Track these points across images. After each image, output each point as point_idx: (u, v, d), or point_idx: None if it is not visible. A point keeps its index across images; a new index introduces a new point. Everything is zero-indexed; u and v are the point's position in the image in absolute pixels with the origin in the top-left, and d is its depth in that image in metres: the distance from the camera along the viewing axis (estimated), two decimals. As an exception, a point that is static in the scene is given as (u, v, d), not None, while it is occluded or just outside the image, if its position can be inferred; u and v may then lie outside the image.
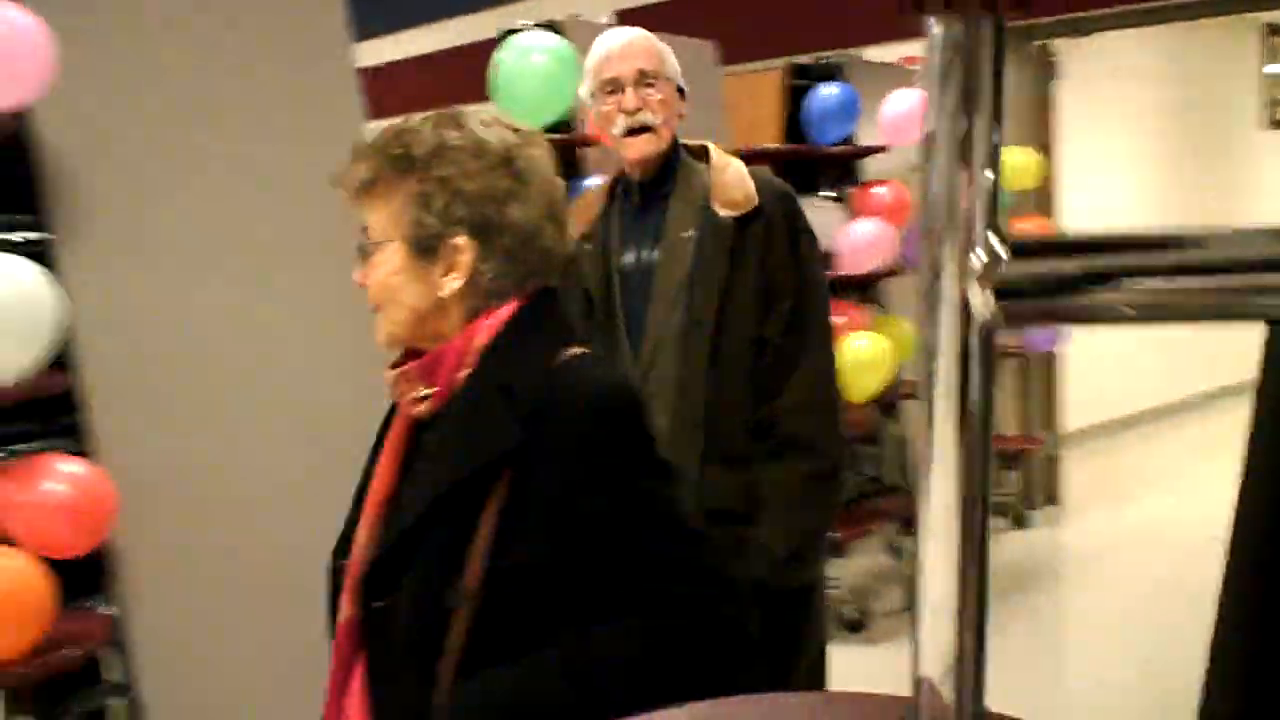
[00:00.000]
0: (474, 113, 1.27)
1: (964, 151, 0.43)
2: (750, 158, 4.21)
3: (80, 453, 2.38)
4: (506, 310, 1.23)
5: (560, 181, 1.31)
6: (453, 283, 1.21)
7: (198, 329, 2.59)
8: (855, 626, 4.07)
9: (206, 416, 2.58)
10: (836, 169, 4.66)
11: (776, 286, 2.03)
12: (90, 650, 2.47)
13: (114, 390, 2.44)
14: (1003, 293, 0.43)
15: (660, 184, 2.08)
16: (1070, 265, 0.43)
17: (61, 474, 2.26)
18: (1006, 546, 4.96)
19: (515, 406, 1.19)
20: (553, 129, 3.26)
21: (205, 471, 2.56)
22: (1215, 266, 0.42)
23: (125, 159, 2.48)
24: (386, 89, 7.64)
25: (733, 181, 2.06)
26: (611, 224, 2.11)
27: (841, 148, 4.43)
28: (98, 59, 2.42)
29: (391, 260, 1.23)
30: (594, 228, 2.12)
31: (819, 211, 4.27)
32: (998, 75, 0.42)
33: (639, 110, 2.02)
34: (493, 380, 1.21)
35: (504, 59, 3.03)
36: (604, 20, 5.83)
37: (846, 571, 4.18)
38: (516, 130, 1.27)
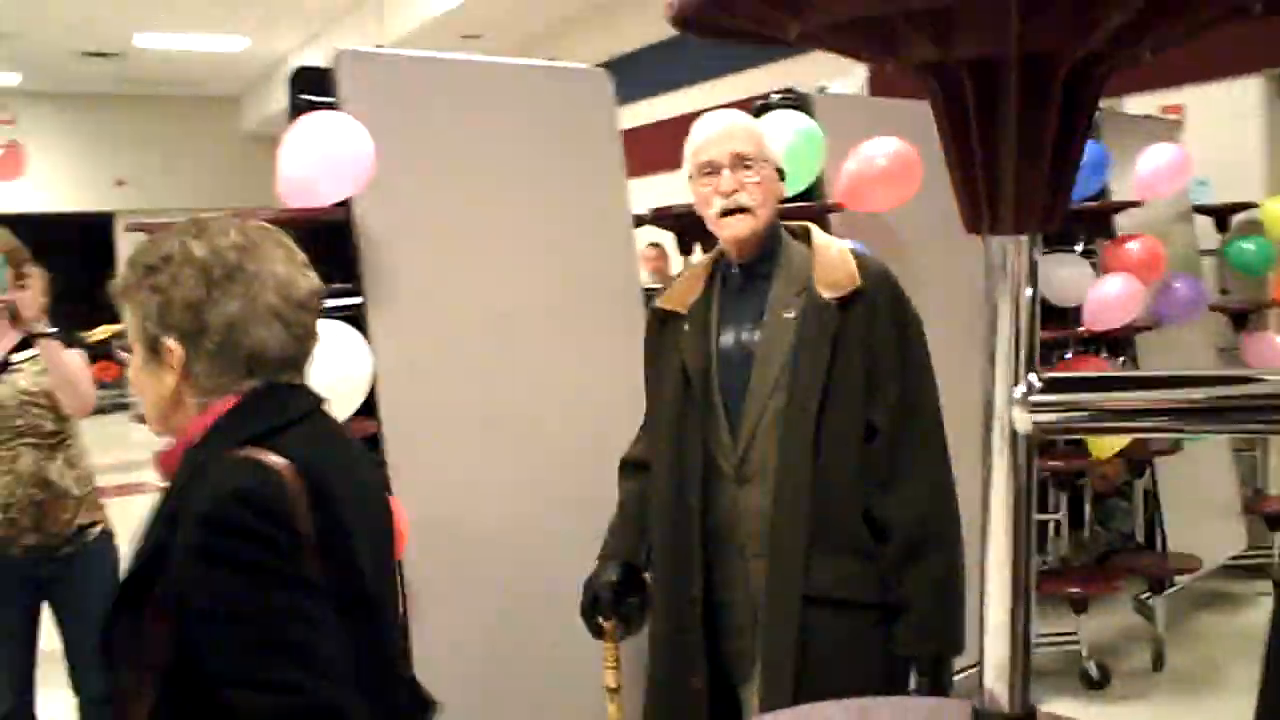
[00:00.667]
0: (218, 219, 1.37)
1: (1014, 321, 0.63)
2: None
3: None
4: (221, 406, 1.31)
5: (295, 281, 1.34)
6: (170, 381, 1.32)
7: (480, 381, 2.93)
8: (1096, 684, 4.02)
9: (485, 456, 2.92)
10: (1089, 223, 4.64)
11: (881, 370, 2.00)
12: None
13: (409, 433, 2.81)
14: (1037, 413, 0.62)
15: (760, 264, 2.08)
16: (1084, 397, 0.62)
17: None
18: (1264, 608, 4.74)
19: (166, 506, 1.27)
20: (800, 197, 3.48)
21: (482, 503, 2.87)
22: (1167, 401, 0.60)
23: (424, 236, 2.86)
24: (643, 149, 8.07)
25: (835, 262, 2.05)
26: (712, 303, 2.12)
27: (1093, 203, 4.42)
28: (405, 155, 2.82)
29: (136, 359, 1.36)
30: (694, 307, 2.12)
31: (1066, 266, 4.29)
32: (1033, 272, 0.62)
33: (735, 192, 2.02)
34: (178, 478, 1.30)
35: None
36: (855, 91, 6.00)
37: (1088, 628, 4.13)
38: (247, 235, 1.34)
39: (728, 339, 2.08)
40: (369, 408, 2.68)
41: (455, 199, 2.93)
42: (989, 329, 0.64)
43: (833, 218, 3.62)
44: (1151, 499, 4.64)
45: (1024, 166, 0.58)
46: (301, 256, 1.39)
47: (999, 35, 0.54)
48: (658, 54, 9.13)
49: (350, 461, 1.42)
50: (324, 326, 2.47)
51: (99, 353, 13.13)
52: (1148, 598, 4.32)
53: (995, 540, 0.64)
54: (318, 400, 1.42)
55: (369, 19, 10.66)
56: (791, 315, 2.02)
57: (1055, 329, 4.37)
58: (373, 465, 1.52)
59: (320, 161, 2.47)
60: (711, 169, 2.05)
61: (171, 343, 1.31)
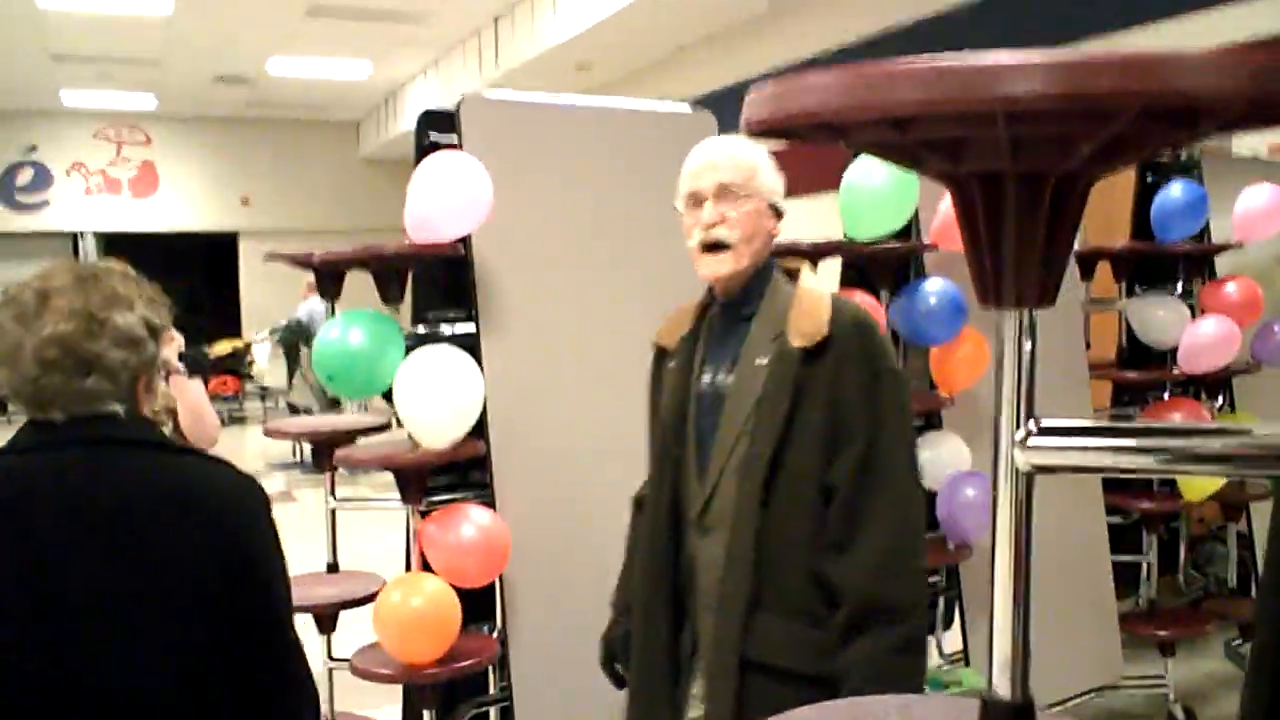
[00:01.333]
0: (55, 266, 1.52)
1: (1016, 376, 0.77)
2: (1095, 255, 4.39)
3: (489, 502, 2.89)
4: None
5: (41, 331, 1.44)
6: None
7: (583, 405, 3.11)
8: (1184, 729, 4.02)
9: (585, 476, 3.09)
10: (1187, 265, 4.65)
11: (846, 427, 1.87)
12: (481, 666, 2.90)
13: (514, 454, 3.00)
14: (1033, 453, 0.77)
15: (744, 304, 1.98)
16: (1072, 441, 0.76)
17: (473, 520, 2.73)
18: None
19: None
20: (895, 237, 3.59)
21: (582, 520, 3.03)
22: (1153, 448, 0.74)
23: (535, 269, 3.07)
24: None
25: (810, 309, 1.92)
26: (698, 342, 2.04)
27: (1190, 244, 4.44)
28: (519, 193, 3.02)
29: None
30: (681, 344, 2.05)
31: (1162, 309, 4.32)
32: (1031, 336, 0.76)
33: (714, 225, 1.92)
34: None
35: (851, 179, 3.41)
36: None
37: (1177, 672, 4.13)
38: (42, 280, 1.49)
39: (706, 380, 2.01)
40: (478, 429, 2.88)
41: (564, 234, 3.13)
42: (996, 383, 0.78)
43: (927, 257, 3.73)
44: (1246, 543, 4.61)
45: (1021, 256, 0.73)
46: (80, 304, 1.47)
47: (997, 158, 0.69)
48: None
49: (73, 494, 1.46)
50: (441, 352, 2.69)
51: (221, 367, 13.62)
52: (1239, 644, 4.29)
53: (1000, 557, 0.78)
54: (50, 431, 1.49)
55: (485, 49, 11.05)
56: (763, 361, 1.92)
57: (1150, 371, 4.40)
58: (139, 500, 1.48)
59: (444, 201, 2.69)
60: (697, 199, 1.95)
61: None
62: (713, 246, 1.92)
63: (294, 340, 10.78)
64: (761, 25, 9.24)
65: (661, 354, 2.12)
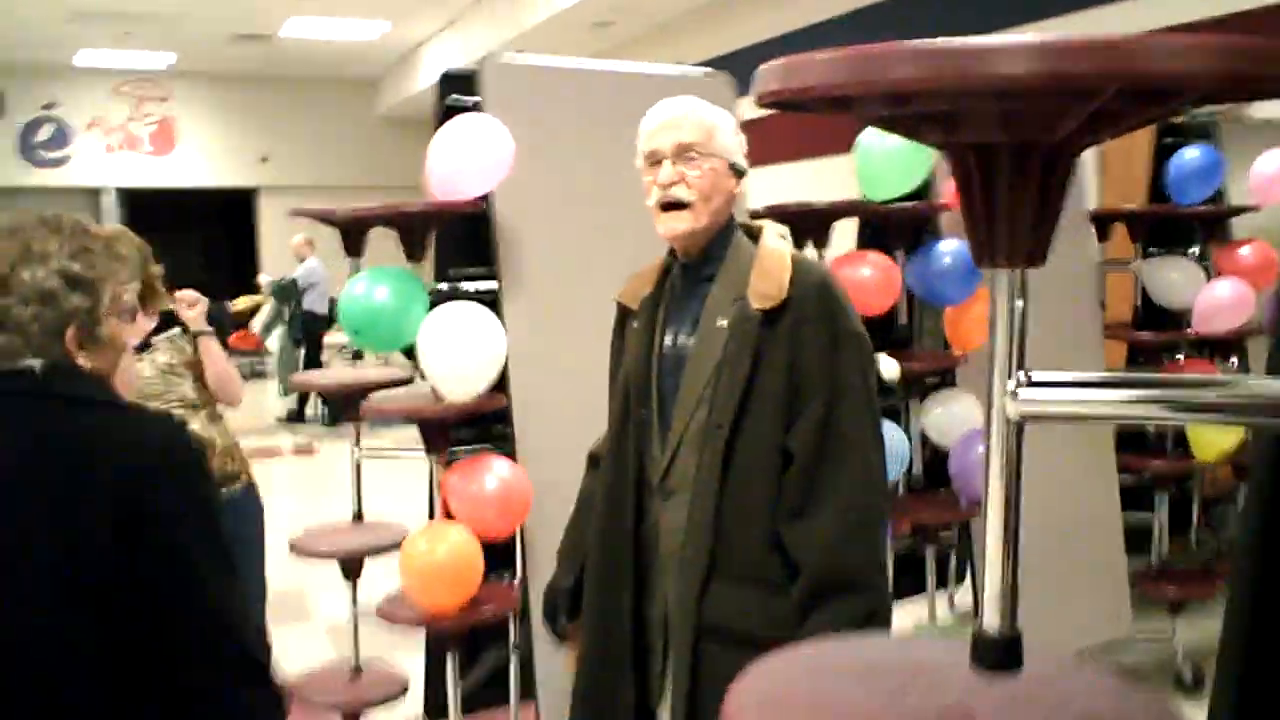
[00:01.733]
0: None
1: (1009, 331, 0.83)
2: (1112, 217, 4.41)
3: (510, 455, 2.97)
4: None
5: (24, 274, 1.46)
6: None
7: (601, 361, 3.18)
8: (1189, 687, 4.09)
9: (602, 428, 3.16)
10: (1204, 228, 4.67)
11: (806, 391, 1.85)
12: (502, 614, 3.00)
13: (534, 407, 3.07)
14: (1023, 403, 0.83)
15: (705, 265, 1.96)
16: (1058, 392, 0.82)
17: (495, 471, 2.82)
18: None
19: None
20: (910, 197, 3.63)
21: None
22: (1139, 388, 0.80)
23: (555, 229, 3.13)
24: (767, 139, 8.21)
25: (771, 270, 1.90)
26: (661, 302, 2.02)
27: (1206, 207, 4.46)
28: (539, 154, 3.08)
29: None
30: (644, 304, 2.03)
31: (1176, 270, 4.36)
32: (1023, 294, 0.82)
33: (673, 185, 1.89)
34: None
35: (866, 141, 3.45)
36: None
37: (1185, 631, 4.20)
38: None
39: (668, 341, 1.99)
40: (500, 384, 2.95)
41: (583, 195, 3.19)
42: (990, 337, 0.84)
43: (942, 218, 3.77)
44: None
45: (1013, 220, 0.79)
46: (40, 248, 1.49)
47: (990, 131, 0.75)
48: (788, 43, 9.26)
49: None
50: (464, 308, 2.76)
51: (240, 322, 13.60)
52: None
53: (993, 498, 0.84)
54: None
55: (502, 7, 11.02)
56: (724, 323, 1.90)
57: (1164, 332, 4.44)
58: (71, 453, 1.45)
59: (465, 160, 2.75)
60: (655, 158, 1.92)
61: None
62: (671, 205, 1.91)
63: (283, 300, 10.78)
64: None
65: (625, 314, 2.10)
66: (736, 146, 1.96)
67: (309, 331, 10.56)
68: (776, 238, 1.99)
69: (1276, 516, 0.93)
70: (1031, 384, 0.82)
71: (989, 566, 0.86)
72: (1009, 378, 0.83)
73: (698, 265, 1.97)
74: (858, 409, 1.87)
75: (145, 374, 3.09)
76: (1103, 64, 0.65)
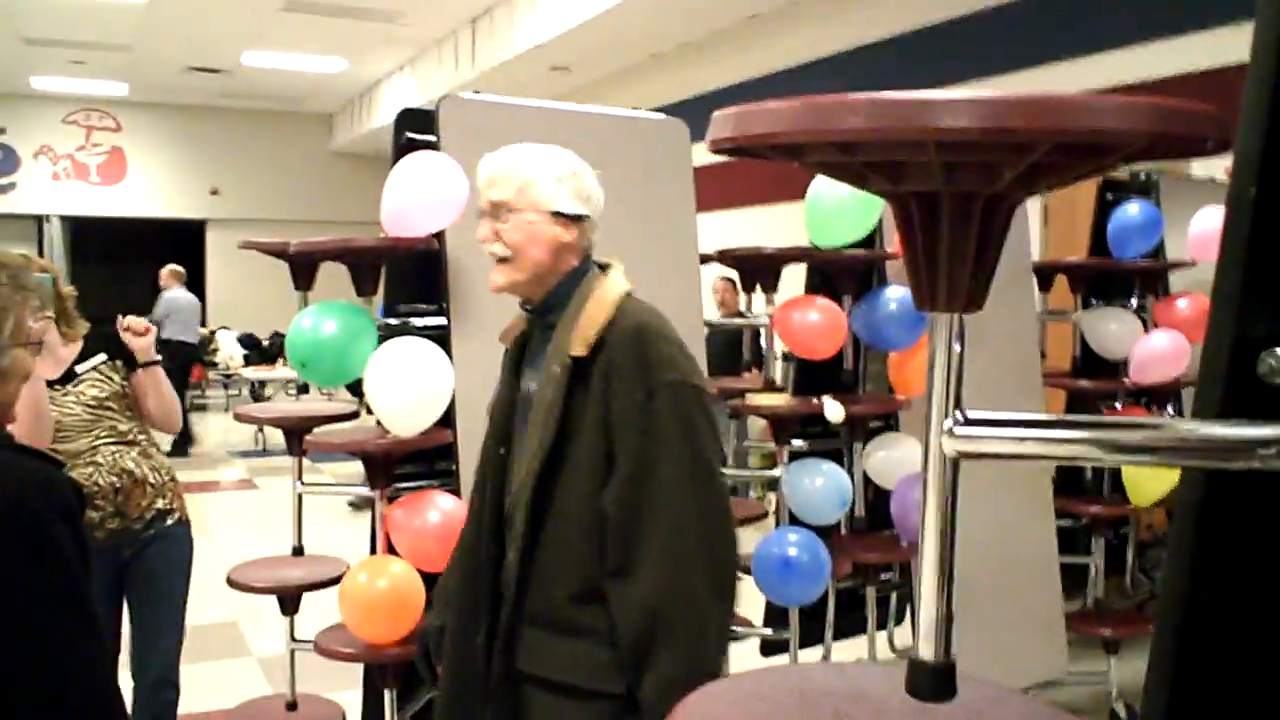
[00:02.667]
0: None
1: (947, 372, 0.87)
2: (1053, 269, 4.52)
3: (454, 491, 2.97)
4: None
5: None
6: None
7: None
8: (1125, 726, 4.16)
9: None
10: (1142, 281, 4.80)
11: (619, 445, 1.82)
12: None
13: (479, 442, 3.06)
14: (959, 441, 0.86)
15: (547, 312, 1.95)
16: (994, 431, 0.86)
17: (439, 506, 2.82)
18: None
19: None
20: (858, 244, 3.70)
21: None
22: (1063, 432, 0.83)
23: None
24: (723, 184, 8.35)
25: (592, 313, 1.88)
26: (523, 348, 2.03)
27: (1145, 261, 4.58)
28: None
29: None
30: (513, 347, 2.05)
31: (1115, 321, 4.47)
32: (960, 338, 0.86)
33: (487, 241, 1.93)
34: None
35: (816, 189, 3.52)
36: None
37: (1120, 670, 4.27)
38: None
39: (524, 385, 2.00)
40: (446, 419, 2.95)
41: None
42: (929, 378, 0.88)
43: (889, 265, 3.85)
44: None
45: (953, 266, 0.83)
46: None
47: (932, 180, 0.78)
48: (741, 92, 9.41)
49: None
50: (412, 343, 2.77)
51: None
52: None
53: (929, 533, 0.87)
54: None
55: (461, 49, 11.09)
56: (557, 369, 1.88)
57: (1102, 381, 4.54)
58: None
59: (419, 197, 2.77)
60: (480, 213, 1.97)
61: None
62: (499, 259, 1.93)
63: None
64: (737, 36, 9.36)
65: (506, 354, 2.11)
66: (563, 193, 1.92)
67: (177, 360, 10.34)
68: (618, 280, 1.96)
69: (1202, 560, 0.97)
70: (968, 422, 0.86)
71: (924, 597, 0.89)
72: (946, 416, 0.86)
73: (540, 311, 1.97)
74: (674, 465, 1.80)
75: (70, 409, 3.03)
76: (1040, 120, 0.69)
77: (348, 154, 16.18)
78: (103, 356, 3.11)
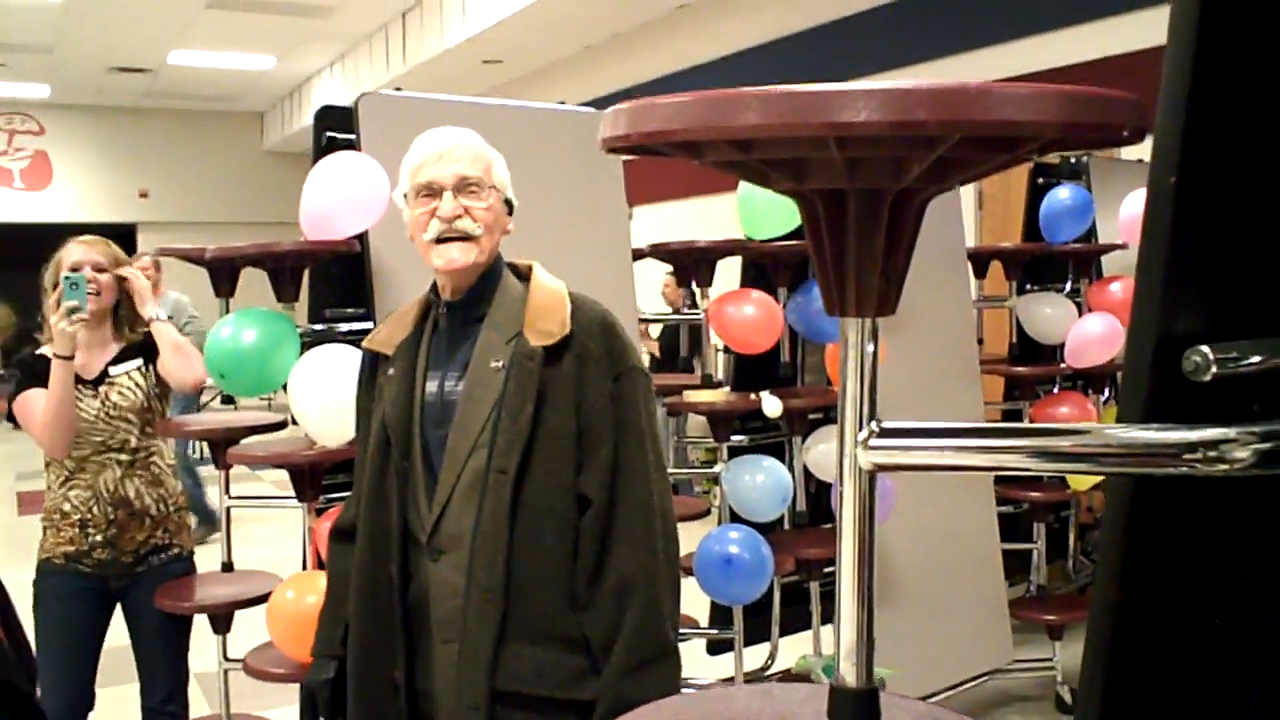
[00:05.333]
0: None
1: (859, 380, 0.82)
2: (988, 255, 4.52)
3: (386, 500, 2.94)
4: None
5: None
6: None
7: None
8: (1070, 709, 4.18)
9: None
10: (1075, 265, 4.82)
11: (594, 432, 1.79)
12: None
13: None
14: (875, 453, 0.81)
15: (474, 305, 1.86)
16: (909, 442, 0.81)
17: None
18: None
19: None
20: (793, 235, 3.66)
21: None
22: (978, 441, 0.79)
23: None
24: (651, 178, 8.28)
25: (548, 306, 1.83)
26: (421, 346, 1.89)
27: (1077, 245, 4.60)
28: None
29: None
30: (401, 349, 1.90)
31: (1049, 306, 4.48)
32: (874, 344, 0.81)
33: (458, 218, 1.80)
34: None
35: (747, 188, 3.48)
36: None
37: (1065, 655, 4.29)
38: None
39: (432, 388, 1.87)
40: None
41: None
42: (841, 387, 0.83)
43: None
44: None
45: (862, 268, 0.78)
46: None
47: (836, 177, 0.73)
48: (673, 84, 9.36)
49: None
50: (335, 350, 2.69)
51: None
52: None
53: (845, 551, 0.82)
54: None
55: (392, 44, 10.93)
56: (499, 365, 1.80)
57: (1039, 366, 4.56)
58: None
59: (340, 199, 2.68)
60: (431, 191, 1.82)
61: None
62: (452, 237, 1.81)
63: None
64: (670, 26, 9.30)
65: (375, 360, 1.96)
66: (508, 181, 1.91)
67: None
68: (548, 275, 1.93)
69: (1131, 564, 0.93)
70: (884, 433, 0.81)
71: (843, 621, 0.84)
72: (861, 428, 0.81)
73: (466, 306, 1.87)
74: (639, 445, 1.82)
75: (89, 413, 2.89)
76: (944, 112, 0.64)
77: (281, 153, 15.92)
78: (139, 361, 2.97)
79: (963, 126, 0.65)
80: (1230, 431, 0.76)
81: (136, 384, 2.97)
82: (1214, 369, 0.83)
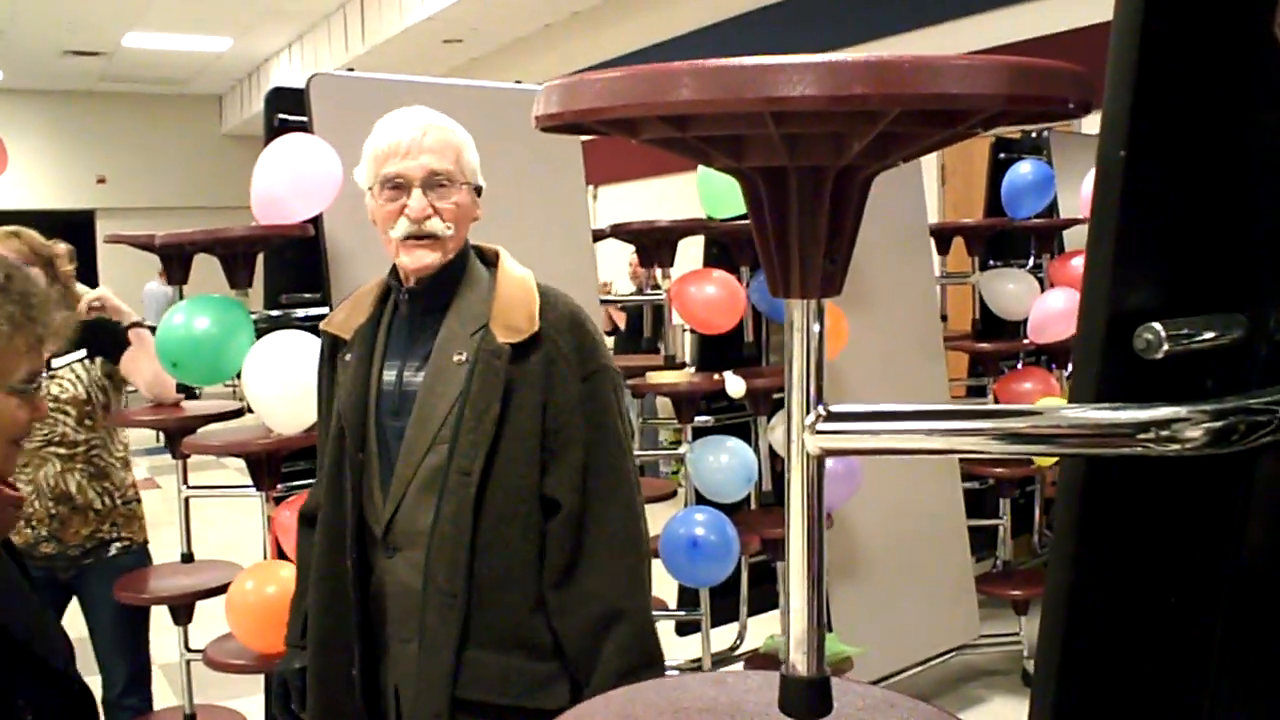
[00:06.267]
0: None
1: (805, 365, 0.80)
2: (950, 231, 4.52)
3: (346, 487, 2.90)
4: None
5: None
6: None
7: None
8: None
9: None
10: (1037, 240, 4.83)
11: (564, 433, 1.72)
12: None
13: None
14: (822, 436, 0.79)
15: (437, 294, 1.77)
16: (857, 425, 0.79)
17: None
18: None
19: None
20: (742, 217, 3.64)
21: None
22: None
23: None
24: (611, 158, 8.24)
25: (516, 299, 1.75)
26: (379, 332, 1.81)
27: (1039, 220, 4.61)
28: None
29: None
30: (359, 335, 1.81)
31: (1012, 281, 4.49)
32: (820, 326, 0.79)
33: (427, 218, 1.72)
34: None
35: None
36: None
37: (1030, 629, 4.32)
38: None
39: (390, 376, 1.78)
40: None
41: (420, 215, 3.10)
42: (786, 371, 0.81)
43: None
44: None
45: (806, 249, 0.75)
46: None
47: (776, 155, 0.71)
48: (636, 61, 9.30)
49: None
50: (290, 336, 2.65)
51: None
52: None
53: (794, 537, 0.80)
54: None
55: (351, 24, 10.80)
56: (462, 358, 1.72)
57: (1002, 342, 4.56)
58: None
59: (291, 182, 2.63)
60: (398, 184, 1.73)
61: None
62: (420, 237, 1.73)
63: None
64: (630, 4, 9.24)
65: (334, 345, 1.87)
66: (477, 164, 1.81)
67: None
68: (517, 264, 1.84)
69: (1085, 545, 0.92)
70: (831, 416, 0.79)
71: (794, 609, 0.82)
72: (808, 412, 0.79)
73: (429, 294, 1.78)
74: (618, 451, 1.77)
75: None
76: (881, 86, 0.61)
77: (240, 136, 15.71)
78: (82, 353, 2.91)
79: (902, 100, 0.63)
80: (1181, 410, 0.75)
81: (79, 376, 2.92)
82: (1165, 346, 0.82)
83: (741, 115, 0.66)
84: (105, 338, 2.92)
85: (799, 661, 0.82)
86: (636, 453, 5.27)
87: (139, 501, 3.12)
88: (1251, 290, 0.88)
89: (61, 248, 2.94)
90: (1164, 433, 0.76)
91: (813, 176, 0.73)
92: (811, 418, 0.79)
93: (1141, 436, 0.75)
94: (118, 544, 3.01)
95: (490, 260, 1.83)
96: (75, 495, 2.91)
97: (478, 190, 1.82)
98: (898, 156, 0.74)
